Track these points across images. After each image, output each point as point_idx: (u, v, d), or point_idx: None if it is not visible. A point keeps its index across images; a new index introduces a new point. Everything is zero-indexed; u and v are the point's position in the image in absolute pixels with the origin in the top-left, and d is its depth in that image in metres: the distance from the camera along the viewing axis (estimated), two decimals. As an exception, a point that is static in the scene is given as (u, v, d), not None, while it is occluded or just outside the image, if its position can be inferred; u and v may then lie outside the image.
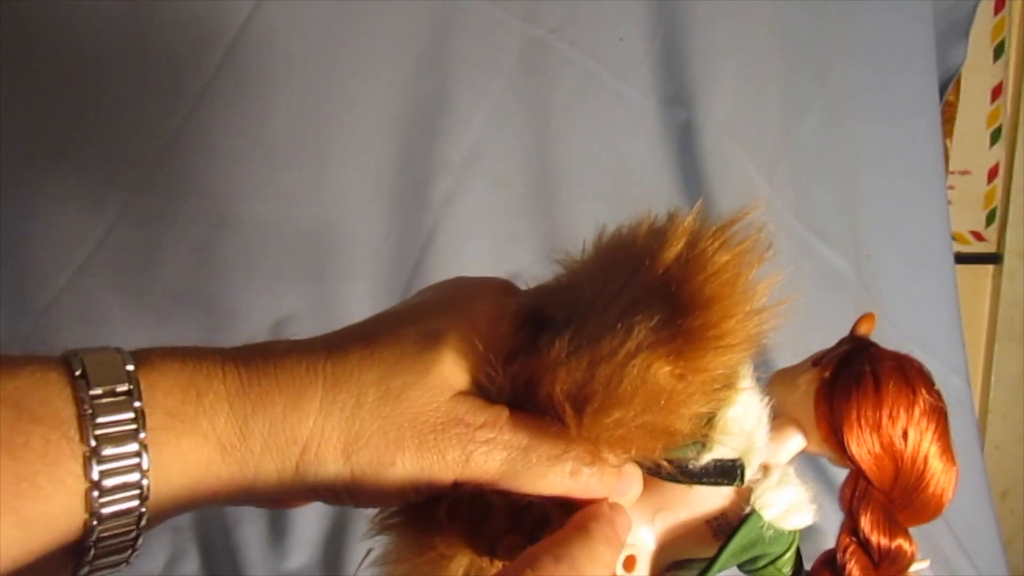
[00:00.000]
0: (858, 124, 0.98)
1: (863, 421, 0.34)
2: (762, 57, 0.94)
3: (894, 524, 0.35)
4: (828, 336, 0.38)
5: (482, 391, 0.32)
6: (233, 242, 0.80)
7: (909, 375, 0.35)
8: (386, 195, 0.84)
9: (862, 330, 0.37)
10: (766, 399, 0.35)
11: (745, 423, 0.33)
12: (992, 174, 1.21)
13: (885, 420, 0.34)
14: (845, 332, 0.37)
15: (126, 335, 0.79)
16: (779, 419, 0.36)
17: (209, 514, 0.81)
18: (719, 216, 0.32)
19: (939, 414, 0.35)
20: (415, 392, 0.30)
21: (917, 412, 0.34)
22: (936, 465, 0.35)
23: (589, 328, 0.30)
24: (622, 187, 0.88)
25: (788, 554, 0.36)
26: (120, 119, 0.83)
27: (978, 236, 1.23)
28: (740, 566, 0.37)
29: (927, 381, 0.35)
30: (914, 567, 0.37)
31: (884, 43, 0.98)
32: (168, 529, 0.78)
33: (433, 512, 0.32)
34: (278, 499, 0.31)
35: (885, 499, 0.35)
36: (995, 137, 1.20)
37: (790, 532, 0.36)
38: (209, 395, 0.29)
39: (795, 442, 0.36)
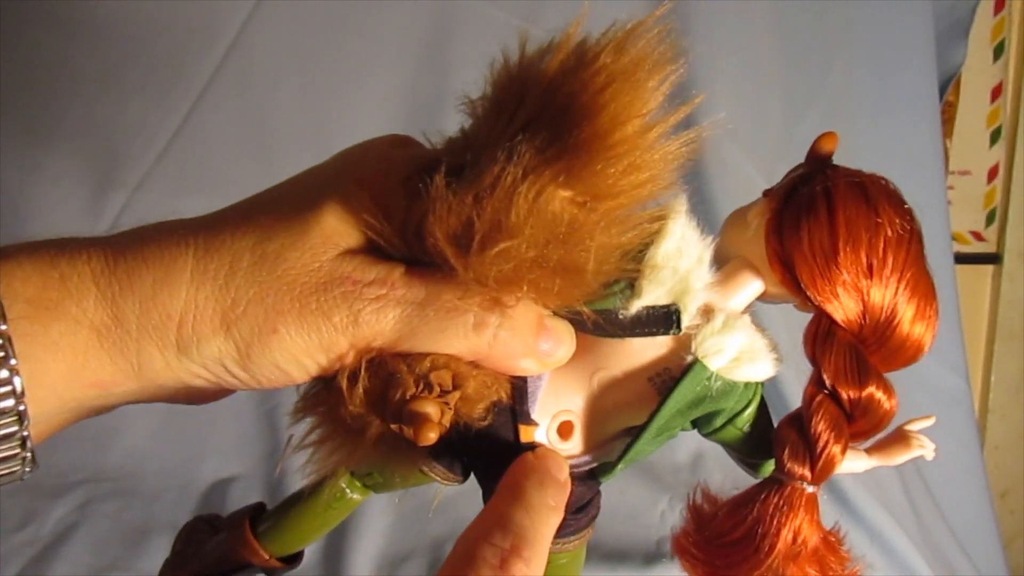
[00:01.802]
0: (858, 124, 0.98)
1: (817, 252, 0.28)
2: (762, 57, 0.94)
3: (865, 369, 0.29)
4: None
5: (377, 249, 0.29)
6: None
7: (871, 194, 0.29)
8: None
9: (823, 149, 0.31)
10: (709, 237, 0.30)
11: (680, 262, 0.29)
12: (992, 174, 1.21)
13: (843, 249, 0.28)
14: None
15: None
16: (733, 262, 0.31)
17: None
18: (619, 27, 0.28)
19: (911, 239, 0.29)
20: (293, 253, 0.27)
21: (882, 238, 0.28)
22: (909, 300, 0.29)
23: (475, 163, 0.27)
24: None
25: (748, 411, 0.31)
26: (120, 119, 0.83)
27: (978, 236, 1.23)
28: (699, 429, 0.32)
29: (895, 200, 0.29)
30: (916, 425, 0.32)
31: (884, 43, 0.98)
32: (168, 529, 0.78)
33: (338, 383, 0.29)
34: (181, 389, 0.29)
35: (853, 340, 0.29)
36: (995, 137, 1.20)
37: (747, 385, 0.30)
38: (73, 278, 0.27)
39: (751, 287, 0.30)
